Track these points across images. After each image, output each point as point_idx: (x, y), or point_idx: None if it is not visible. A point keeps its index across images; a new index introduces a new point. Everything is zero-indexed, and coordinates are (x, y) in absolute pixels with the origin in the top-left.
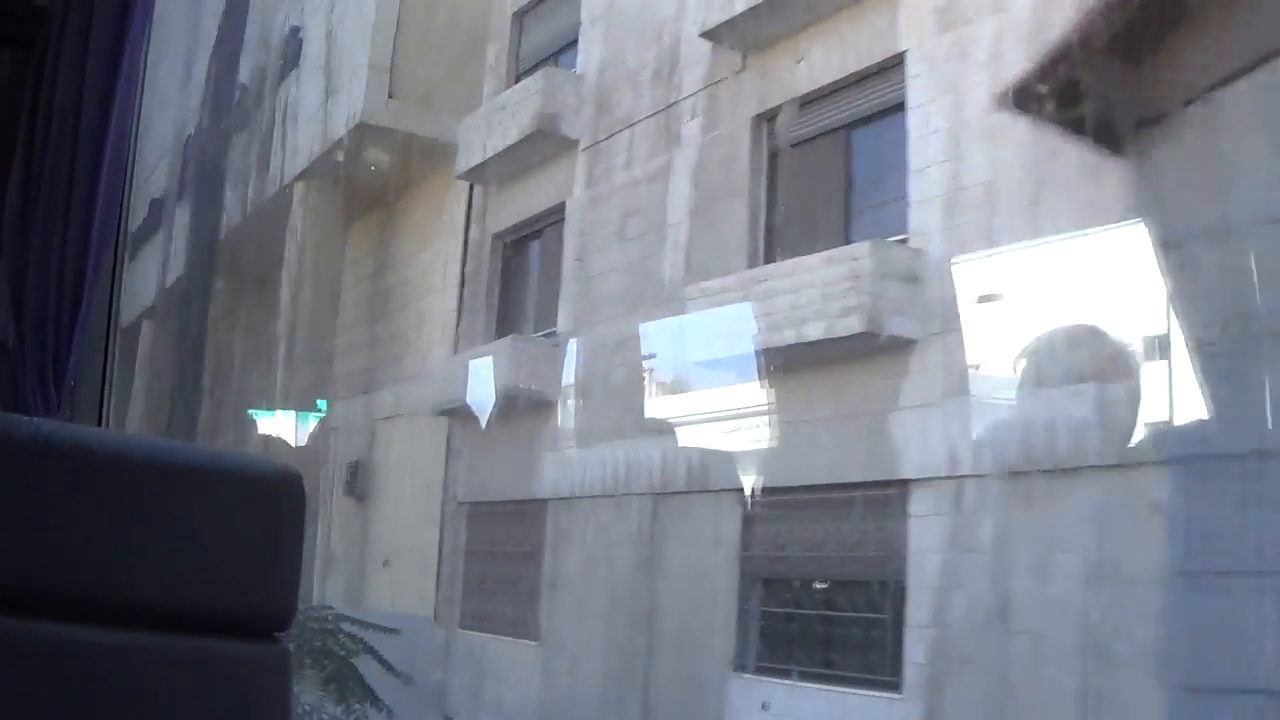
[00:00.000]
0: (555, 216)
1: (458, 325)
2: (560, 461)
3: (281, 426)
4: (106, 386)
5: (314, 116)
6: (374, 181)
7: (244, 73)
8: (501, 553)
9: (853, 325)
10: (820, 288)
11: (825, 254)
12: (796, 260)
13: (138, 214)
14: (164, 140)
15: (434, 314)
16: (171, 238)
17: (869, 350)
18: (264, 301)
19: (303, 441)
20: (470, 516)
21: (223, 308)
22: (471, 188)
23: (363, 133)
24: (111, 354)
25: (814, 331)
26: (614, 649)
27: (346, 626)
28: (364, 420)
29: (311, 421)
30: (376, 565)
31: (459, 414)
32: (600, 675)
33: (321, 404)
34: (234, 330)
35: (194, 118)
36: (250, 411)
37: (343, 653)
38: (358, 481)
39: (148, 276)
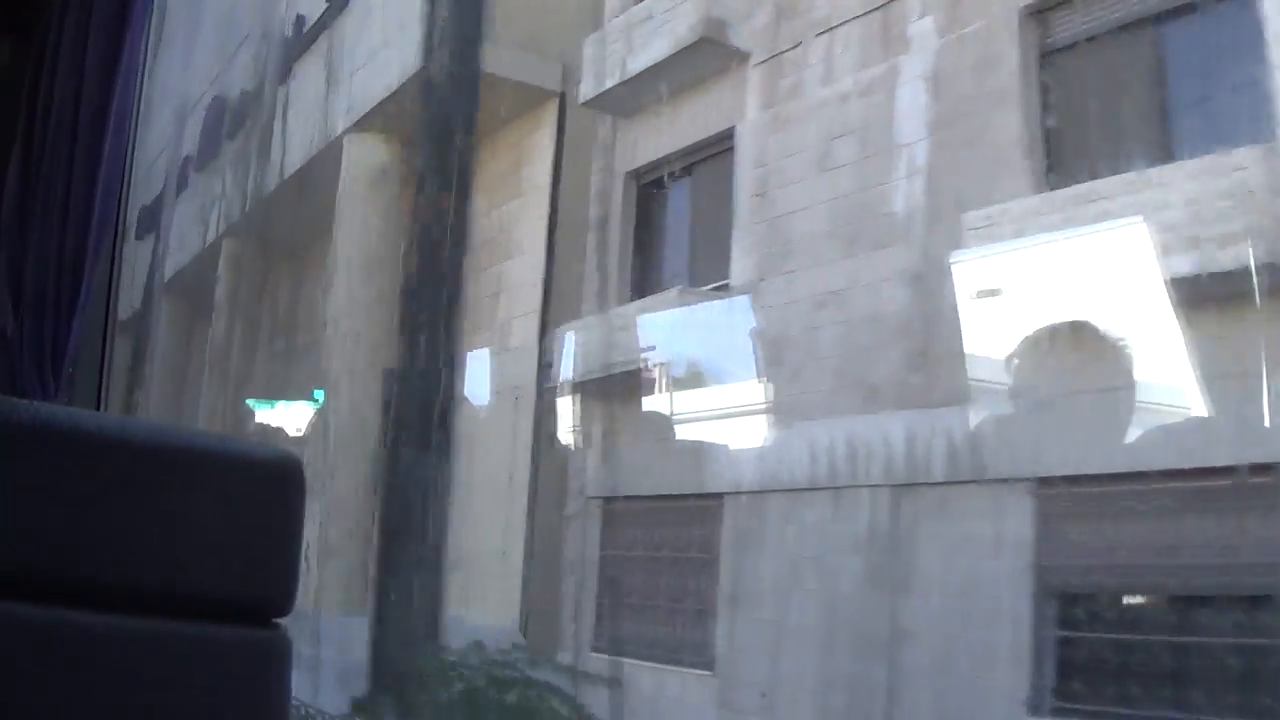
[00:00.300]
0: (716, 146)
1: (546, 293)
2: (742, 445)
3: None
4: (105, 373)
5: (369, 61)
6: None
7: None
8: (654, 559)
9: (1242, 256)
10: (1184, 208)
11: (1186, 164)
12: (1133, 175)
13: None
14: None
15: (515, 280)
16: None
17: (1261, 289)
18: (299, 273)
19: (349, 431)
20: (605, 516)
21: (251, 281)
22: (560, 133)
23: (428, 76)
24: (110, 340)
25: (1182, 265)
26: (835, 683)
27: (550, 678)
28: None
29: (311, 412)
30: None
31: (584, 391)
32: (812, 717)
33: (318, 394)
34: (262, 306)
35: (225, 74)
36: (250, 401)
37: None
38: None
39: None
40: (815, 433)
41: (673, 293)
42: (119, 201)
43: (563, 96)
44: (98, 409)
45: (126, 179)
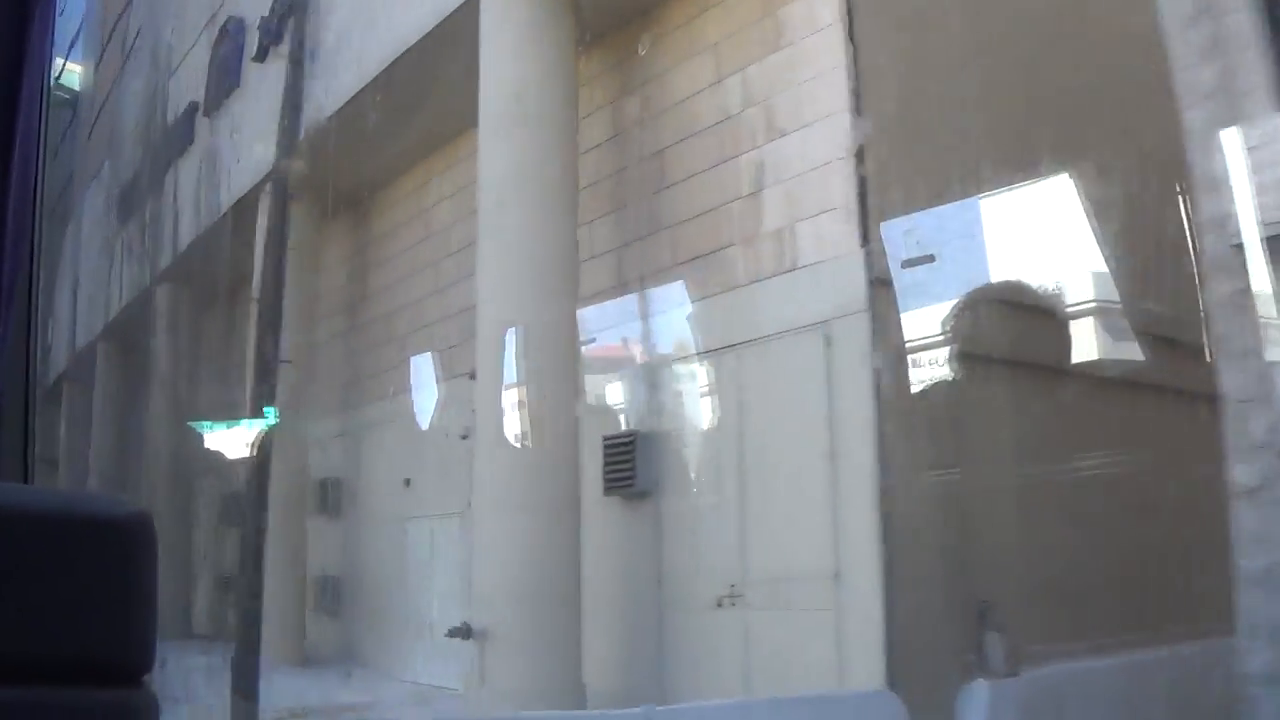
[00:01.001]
0: None
1: (862, 176)
2: None
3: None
4: (30, 428)
5: None
6: None
7: None
8: None
9: None
10: None
11: None
12: None
13: None
14: None
15: (793, 167)
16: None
17: None
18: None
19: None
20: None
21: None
22: None
23: None
24: (33, 392)
25: None
26: None
27: None
28: (633, 368)
29: (261, 435)
30: (691, 607)
31: None
32: None
33: (270, 411)
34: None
35: None
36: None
37: None
38: (637, 471)
39: None
40: None
41: None
42: (31, 233)
43: None
44: (25, 460)
45: (38, 211)
